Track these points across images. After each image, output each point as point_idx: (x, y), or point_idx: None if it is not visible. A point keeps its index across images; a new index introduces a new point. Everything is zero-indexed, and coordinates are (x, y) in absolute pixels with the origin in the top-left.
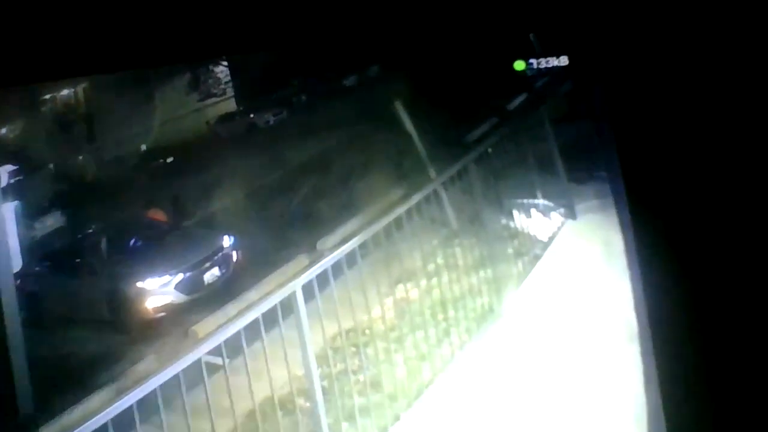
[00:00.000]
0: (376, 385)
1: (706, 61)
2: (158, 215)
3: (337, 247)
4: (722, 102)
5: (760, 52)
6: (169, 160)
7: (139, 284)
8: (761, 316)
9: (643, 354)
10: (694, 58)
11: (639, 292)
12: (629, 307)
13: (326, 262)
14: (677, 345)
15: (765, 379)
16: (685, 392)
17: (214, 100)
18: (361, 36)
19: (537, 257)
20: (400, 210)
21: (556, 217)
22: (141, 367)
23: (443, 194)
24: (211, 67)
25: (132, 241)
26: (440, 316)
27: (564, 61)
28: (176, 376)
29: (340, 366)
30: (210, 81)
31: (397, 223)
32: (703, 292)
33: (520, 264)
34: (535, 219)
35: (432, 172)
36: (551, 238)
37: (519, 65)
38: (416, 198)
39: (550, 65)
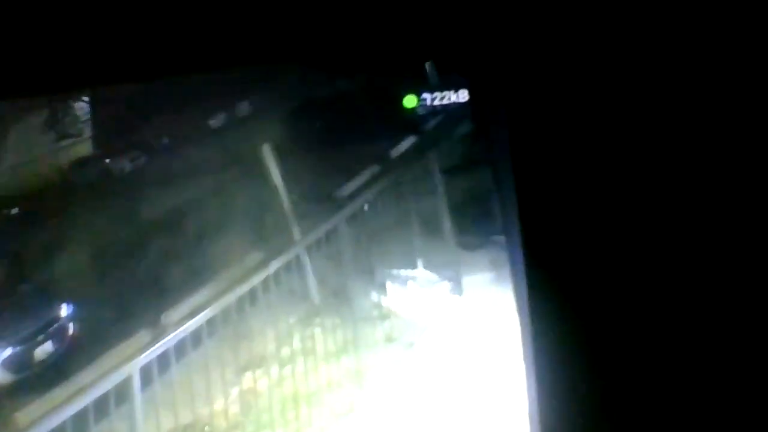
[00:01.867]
0: None
1: (626, 104)
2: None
3: (183, 321)
4: (642, 153)
5: (680, 95)
6: (14, 211)
7: None
8: (656, 408)
9: None
10: (612, 100)
11: (532, 389)
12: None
13: (169, 341)
14: None
15: None
16: None
17: (70, 141)
18: (228, 63)
19: (411, 344)
20: (256, 280)
21: (439, 292)
22: None
23: (307, 260)
24: (70, 102)
25: None
26: (291, 414)
27: (463, 96)
28: None
29: None
30: (68, 119)
31: (252, 295)
32: (608, 392)
33: (390, 352)
34: (413, 295)
35: (296, 233)
36: (430, 320)
37: (410, 101)
38: (275, 265)
39: (446, 102)
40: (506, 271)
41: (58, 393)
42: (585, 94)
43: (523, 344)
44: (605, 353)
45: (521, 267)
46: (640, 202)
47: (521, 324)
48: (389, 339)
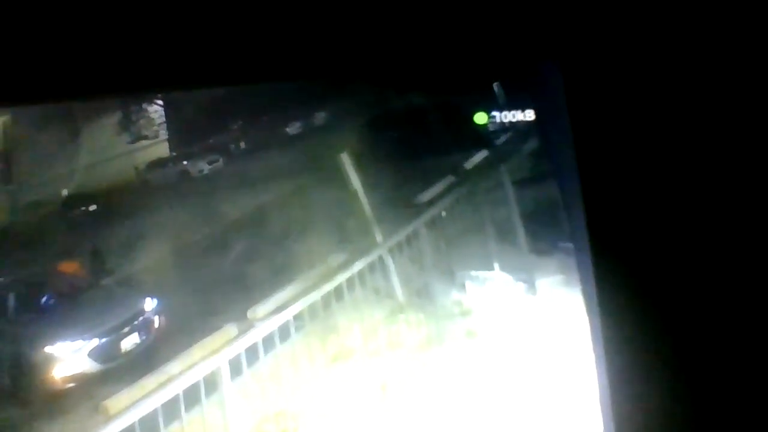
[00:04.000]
0: None
1: (686, 116)
2: (72, 268)
3: (269, 316)
4: (703, 164)
5: (739, 104)
6: (92, 207)
7: (48, 349)
8: (729, 407)
9: None
10: (672, 114)
11: (603, 382)
12: (593, 401)
13: (257, 334)
14: None
15: None
16: None
17: (145, 142)
18: (315, 76)
19: (490, 339)
20: (341, 278)
21: (514, 292)
22: None
23: (390, 262)
24: (144, 105)
25: (43, 299)
26: (380, 404)
27: (529, 115)
28: None
29: None
30: (142, 121)
31: (337, 292)
32: (678, 389)
33: (471, 346)
34: (491, 294)
35: (378, 236)
36: (508, 317)
37: (480, 118)
38: (359, 265)
39: (514, 119)
40: (575, 275)
41: (146, 382)
42: (644, 110)
43: (593, 342)
44: (673, 352)
45: (589, 271)
46: (702, 209)
47: (591, 322)
48: (470, 334)
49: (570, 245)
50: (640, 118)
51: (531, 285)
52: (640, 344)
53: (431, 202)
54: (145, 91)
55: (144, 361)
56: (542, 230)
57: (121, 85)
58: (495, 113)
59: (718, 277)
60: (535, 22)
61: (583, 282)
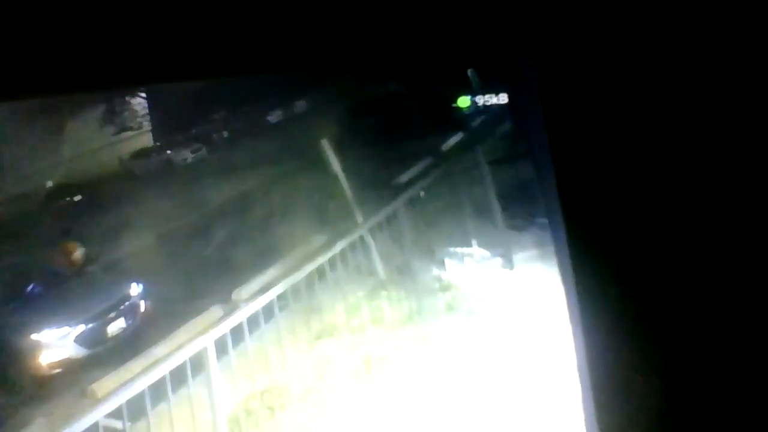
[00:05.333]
0: None
1: (658, 92)
2: (70, 249)
3: (253, 297)
4: (675, 138)
5: (715, 92)
6: (77, 198)
7: (34, 336)
8: (706, 371)
9: (586, 420)
10: (645, 91)
11: (581, 351)
12: (571, 367)
13: (241, 315)
14: (622, 411)
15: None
16: None
17: (129, 134)
18: (294, 65)
19: (470, 312)
20: (323, 258)
21: (492, 267)
22: None
23: (370, 241)
24: (127, 98)
25: (30, 288)
26: (364, 377)
27: (503, 98)
28: None
29: (253, 431)
30: (126, 113)
31: (320, 272)
32: (653, 353)
33: (452, 319)
34: (470, 269)
35: (359, 217)
36: (487, 291)
37: (463, 102)
38: (341, 245)
39: (489, 102)
40: (551, 249)
41: (132, 365)
42: (611, 92)
43: (570, 312)
44: (647, 320)
45: (564, 244)
46: (668, 182)
47: (567, 294)
48: (450, 308)
49: (545, 221)
50: (608, 98)
51: (508, 259)
52: (616, 314)
53: (410, 183)
54: (128, 85)
55: (131, 345)
56: (518, 207)
57: (104, 79)
58: (470, 97)
59: (687, 245)
60: (507, 14)
61: (559, 255)
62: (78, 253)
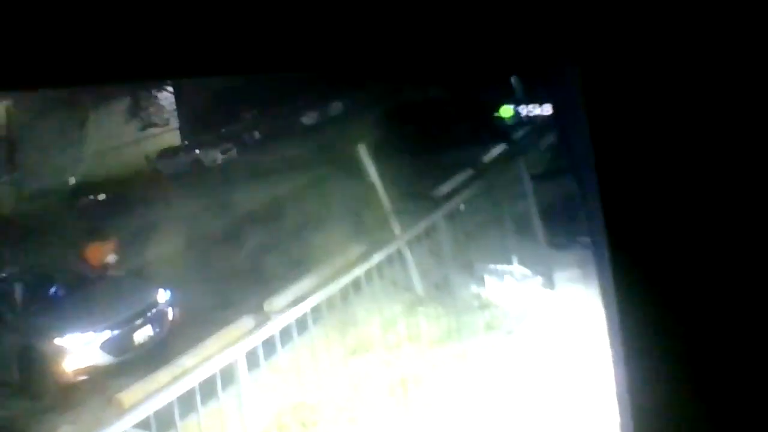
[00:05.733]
0: None
1: (702, 110)
2: (102, 249)
3: (286, 309)
4: (730, 157)
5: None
6: (101, 197)
7: (58, 341)
8: (752, 405)
9: None
10: (688, 108)
11: (621, 377)
12: (611, 395)
13: (274, 327)
14: None
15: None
16: None
17: (155, 130)
18: (333, 65)
19: (510, 332)
20: (359, 271)
21: (533, 286)
22: None
23: (408, 254)
24: (153, 92)
25: (53, 290)
26: (399, 395)
27: (547, 109)
28: None
29: None
30: (152, 108)
31: (355, 285)
32: (697, 382)
33: (491, 339)
34: (510, 287)
35: (396, 228)
36: (527, 311)
37: (506, 111)
38: (377, 257)
39: (532, 113)
40: (593, 269)
41: (160, 375)
42: (662, 105)
43: (611, 336)
44: (690, 348)
45: (607, 265)
46: (718, 205)
47: (608, 316)
48: (489, 327)
49: (588, 239)
50: (656, 114)
51: (549, 279)
52: (658, 340)
53: (450, 195)
54: (153, 77)
55: (158, 354)
56: (560, 224)
57: (128, 71)
58: (513, 106)
59: (734, 273)
60: (554, 20)
61: (601, 276)
62: (113, 251)
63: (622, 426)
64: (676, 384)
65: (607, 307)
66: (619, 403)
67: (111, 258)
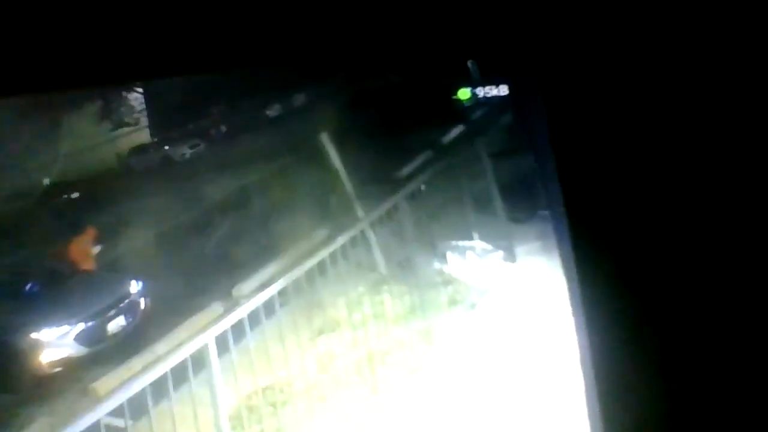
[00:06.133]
0: None
1: (660, 90)
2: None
3: (254, 294)
4: (677, 137)
5: (708, 83)
6: (75, 195)
7: (33, 335)
8: (714, 373)
9: (589, 415)
10: (646, 88)
11: (584, 344)
12: (573, 359)
13: (242, 311)
14: (626, 407)
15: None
16: None
17: (126, 129)
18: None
19: (473, 305)
20: (324, 253)
21: (495, 260)
22: None
23: (371, 235)
24: (123, 93)
25: (27, 286)
26: (366, 372)
27: (504, 90)
28: None
29: (255, 428)
30: (123, 109)
31: (321, 267)
32: (656, 346)
33: (454, 313)
34: (472, 263)
35: (359, 211)
36: (489, 285)
37: (464, 94)
38: (341, 240)
39: (490, 94)
40: (552, 241)
41: (133, 363)
42: (611, 83)
43: (572, 304)
44: (649, 309)
45: (566, 236)
46: (670, 174)
47: (569, 285)
48: (453, 302)
49: (547, 213)
50: (608, 89)
51: (510, 252)
52: (617, 306)
53: (411, 177)
54: (123, 81)
55: (131, 343)
56: (519, 200)
57: (101, 76)
58: (470, 89)
59: (689, 236)
60: (508, 7)
61: (561, 246)
62: (96, 241)
63: (587, 390)
64: (635, 347)
65: (567, 276)
66: (583, 368)
67: (96, 248)
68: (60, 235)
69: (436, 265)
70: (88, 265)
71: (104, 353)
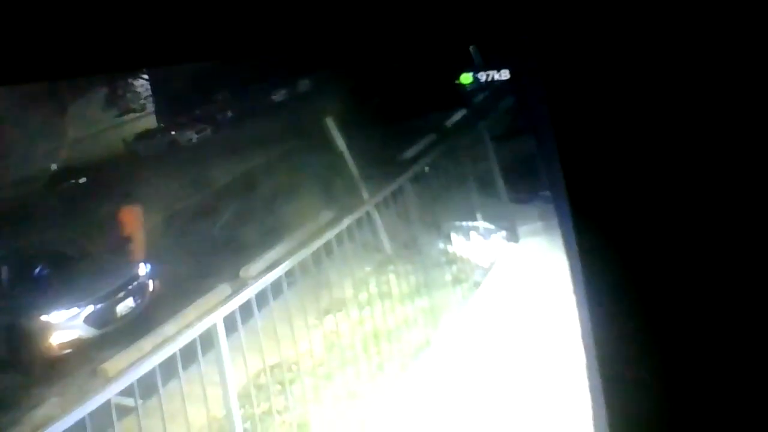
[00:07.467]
0: (303, 427)
1: (657, 72)
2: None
3: (261, 275)
4: (673, 118)
5: (706, 72)
6: (82, 180)
7: (44, 317)
8: (711, 344)
9: (591, 389)
10: (643, 71)
11: (585, 319)
12: (575, 336)
13: (250, 292)
14: (626, 380)
15: (715, 402)
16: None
17: (133, 115)
18: (297, 44)
19: (476, 284)
20: (330, 234)
21: (498, 240)
22: (41, 412)
23: (377, 217)
24: (130, 80)
25: (37, 270)
26: (373, 350)
27: (505, 74)
28: (82, 421)
29: (264, 406)
30: (129, 95)
31: (327, 248)
32: (655, 320)
33: (458, 291)
34: (475, 243)
35: (365, 193)
36: (492, 263)
37: (466, 78)
38: (347, 221)
39: (491, 79)
40: (554, 220)
41: (142, 344)
42: (611, 67)
43: (574, 281)
44: (650, 285)
45: (567, 215)
46: (668, 154)
47: (570, 263)
48: (457, 280)
49: (548, 193)
50: (608, 73)
51: (513, 232)
52: (618, 282)
53: (415, 159)
54: (133, 68)
55: (140, 324)
56: (521, 181)
57: (108, 63)
58: (472, 73)
59: (686, 214)
60: None
61: (562, 226)
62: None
63: (588, 364)
64: (636, 322)
65: (569, 254)
66: (584, 342)
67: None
68: (117, 203)
69: (441, 245)
70: (138, 236)
71: (113, 335)
